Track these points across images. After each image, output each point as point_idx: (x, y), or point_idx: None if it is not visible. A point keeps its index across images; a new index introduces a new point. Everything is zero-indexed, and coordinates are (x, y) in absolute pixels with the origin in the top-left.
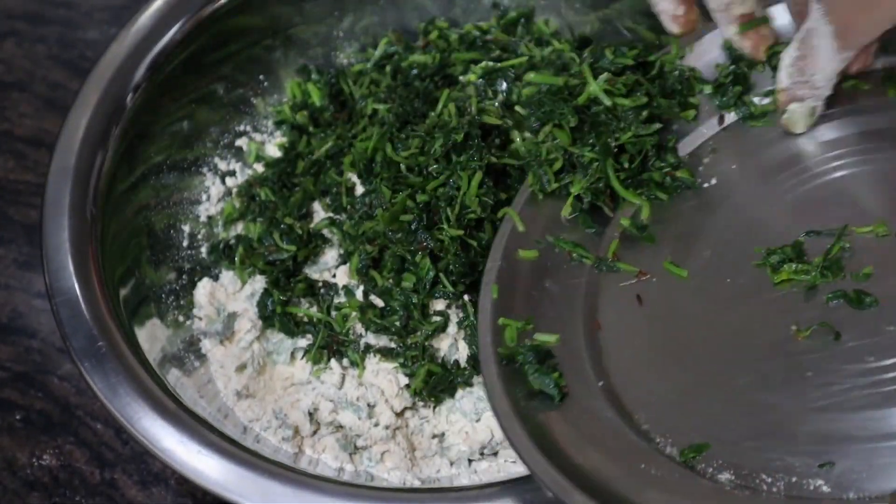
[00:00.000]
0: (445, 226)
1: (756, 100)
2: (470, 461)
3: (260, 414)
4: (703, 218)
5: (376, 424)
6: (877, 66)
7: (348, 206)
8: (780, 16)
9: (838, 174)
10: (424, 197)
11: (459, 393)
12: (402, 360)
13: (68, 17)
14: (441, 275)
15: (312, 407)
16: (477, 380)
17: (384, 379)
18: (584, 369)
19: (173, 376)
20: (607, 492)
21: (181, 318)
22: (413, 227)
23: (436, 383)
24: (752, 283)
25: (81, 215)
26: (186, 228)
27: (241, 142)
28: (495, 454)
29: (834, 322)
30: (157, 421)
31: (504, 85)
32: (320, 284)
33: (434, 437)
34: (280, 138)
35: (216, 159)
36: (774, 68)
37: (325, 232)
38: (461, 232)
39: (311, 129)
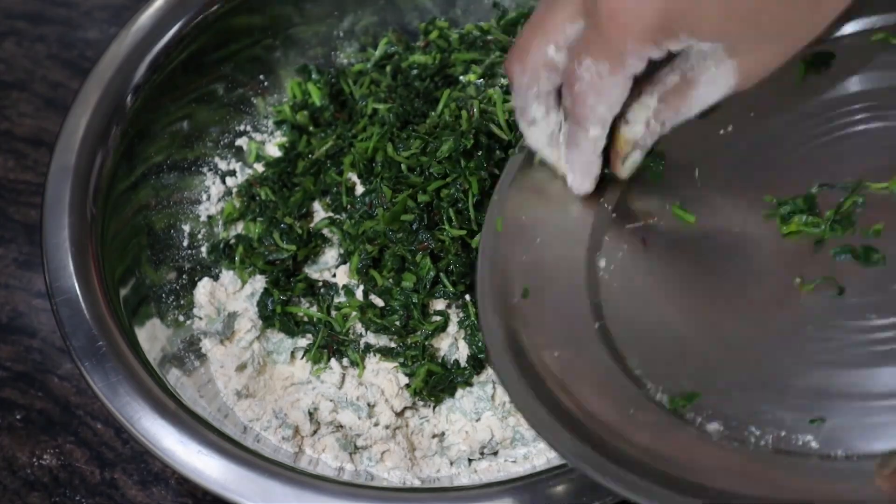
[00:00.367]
0: (447, 226)
1: None
2: (470, 461)
3: (260, 413)
4: (715, 164)
5: (376, 424)
6: None
7: (348, 206)
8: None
9: (857, 128)
10: (426, 197)
11: (459, 392)
12: (402, 360)
13: (68, 16)
14: (441, 274)
15: (312, 406)
16: (477, 379)
17: (384, 378)
18: (582, 309)
19: (173, 376)
20: (595, 436)
21: (181, 318)
22: (414, 226)
23: (436, 383)
24: (761, 233)
25: (81, 215)
26: (186, 228)
27: (242, 141)
28: (495, 454)
29: (839, 277)
30: (158, 420)
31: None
32: (320, 284)
33: (434, 436)
34: (280, 138)
35: (216, 159)
36: None
37: (325, 231)
38: (463, 232)
39: (311, 128)
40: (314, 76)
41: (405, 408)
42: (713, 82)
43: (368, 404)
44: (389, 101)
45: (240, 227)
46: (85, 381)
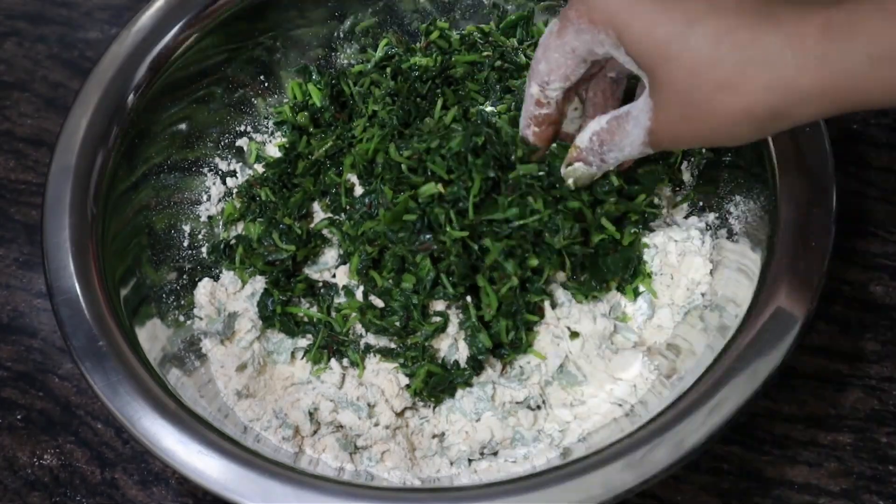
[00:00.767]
0: (448, 227)
1: None
2: (470, 461)
3: (260, 413)
4: None
5: (376, 424)
6: None
7: (347, 207)
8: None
9: None
10: (428, 196)
11: (459, 393)
12: (402, 361)
13: (69, 16)
14: (442, 276)
15: (312, 406)
16: (477, 380)
17: (384, 379)
18: None
19: (174, 376)
20: None
21: (181, 318)
22: (417, 226)
23: (436, 384)
24: None
25: (82, 215)
26: (187, 228)
27: (242, 142)
28: (495, 454)
29: None
30: (158, 420)
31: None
32: (320, 284)
33: (434, 436)
34: (280, 139)
35: (217, 159)
36: None
37: (325, 232)
38: (465, 234)
39: (311, 129)
40: (314, 77)
41: (405, 408)
42: (637, 124)
43: (368, 404)
44: (390, 102)
45: (240, 228)
46: (85, 380)
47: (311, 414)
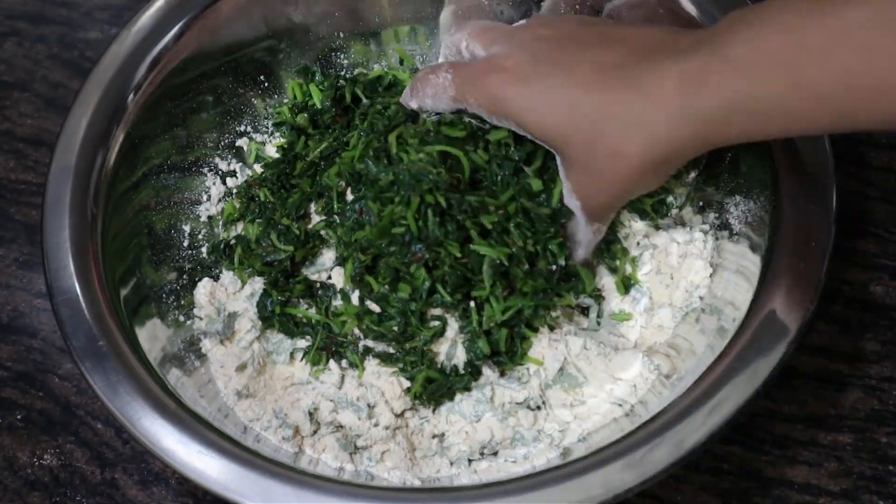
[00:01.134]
0: (442, 236)
1: None
2: (470, 461)
3: (260, 413)
4: None
5: (376, 424)
6: None
7: (339, 212)
8: None
9: None
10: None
11: (458, 396)
12: (401, 366)
13: (69, 16)
14: (437, 284)
15: (312, 407)
16: (475, 384)
17: (384, 380)
18: None
19: (174, 376)
20: None
21: (181, 318)
22: (406, 238)
23: (434, 389)
24: None
25: (82, 215)
26: (187, 228)
27: (242, 142)
28: (495, 454)
29: None
30: (158, 420)
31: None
32: (318, 286)
33: (434, 436)
34: (280, 139)
35: (217, 159)
36: None
37: (323, 233)
38: (458, 253)
39: (309, 130)
40: (317, 77)
41: (405, 409)
42: (570, 198)
43: (368, 405)
44: (381, 113)
45: (240, 228)
46: (85, 380)
47: (310, 414)
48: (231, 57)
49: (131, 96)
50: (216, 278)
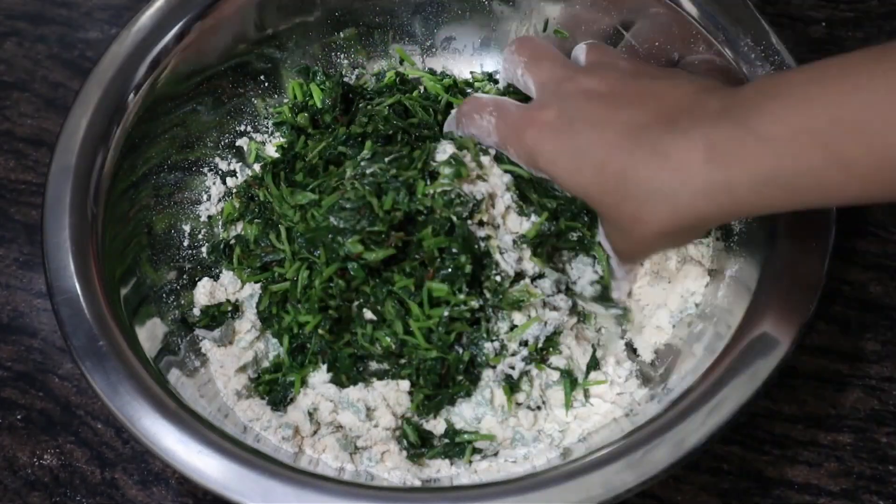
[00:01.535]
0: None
1: None
2: (470, 461)
3: (260, 413)
4: None
5: (376, 425)
6: None
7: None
8: None
9: None
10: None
11: (459, 401)
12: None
13: (69, 16)
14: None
15: (312, 407)
16: (474, 388)
17: (385, 383)
18: None
19: (174, 376)
20: None
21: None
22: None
23: (434, 405)
24: None
25: (82, 214)
26: (187, 228)
27: (242, 142)
28: (495, 454)
29: None
30: (158, 420)
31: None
32: None
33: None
34: (280, 139)
35: (217, 159)
36: None
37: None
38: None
39: (309, 130)
40: (319, 77)
41: (405, 413)
42: (608, 249)
43: (368, 407)
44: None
45: (240, 228)
46: (85, 380)
47: (310, 414)
48: (231, 57)
49: (131, 96)
50: (216, 278)
